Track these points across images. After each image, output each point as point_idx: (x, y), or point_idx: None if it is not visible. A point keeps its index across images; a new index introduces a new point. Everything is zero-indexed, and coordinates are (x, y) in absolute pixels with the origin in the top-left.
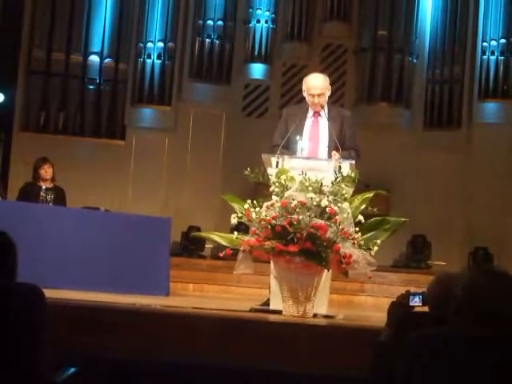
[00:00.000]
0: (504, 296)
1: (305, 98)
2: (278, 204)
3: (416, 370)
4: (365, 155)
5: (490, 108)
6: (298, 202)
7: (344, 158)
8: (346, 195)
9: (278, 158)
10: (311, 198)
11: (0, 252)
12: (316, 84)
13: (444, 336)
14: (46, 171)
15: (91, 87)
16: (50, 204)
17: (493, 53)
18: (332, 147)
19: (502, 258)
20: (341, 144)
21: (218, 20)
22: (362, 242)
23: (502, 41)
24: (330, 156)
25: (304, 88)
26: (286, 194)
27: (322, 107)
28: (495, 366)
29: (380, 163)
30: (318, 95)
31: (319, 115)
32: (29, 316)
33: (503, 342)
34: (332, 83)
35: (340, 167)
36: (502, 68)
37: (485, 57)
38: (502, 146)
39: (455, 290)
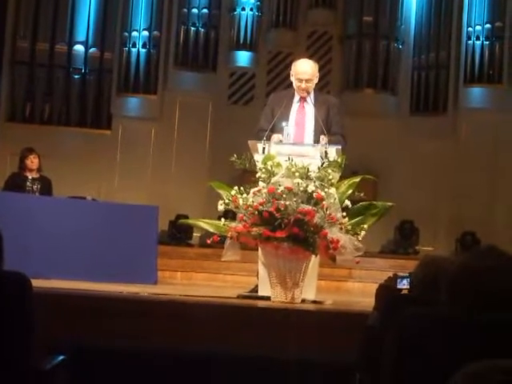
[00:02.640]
0: (503, 280)
1: (291, 84)
2: (265, 190)
3: (404, 351)
4: (352, 142)
5: (476, 93)
6: (285, 187)
7: (331, 142)
8: (332, 180)
9: (264, 143)
10: (298, 184)
11: None
12: (305, 69)
13: (433, 316)
14: (32, 161)
15: (76, 77)
16: (37, 194)
17: (478, 38)
18: (318, 133)
19: (489, 242)
20: (327, 130)
21: (203, 8)
22: (350, 227)
23: (487, 26)
24: (315, 142)
25: (292, 72)
26: (273, 179)
27: (309, 93)
28: (485, 347)
29: (367, 149)
30: (306, 80)
31: (305, 101)
32: (16, 304)
33: (496, 325)
34: (318, 70)
35: (326, 152)
36: (487, 53)
37: (470, 42)
38: (488, 131)
39: (450, 269)
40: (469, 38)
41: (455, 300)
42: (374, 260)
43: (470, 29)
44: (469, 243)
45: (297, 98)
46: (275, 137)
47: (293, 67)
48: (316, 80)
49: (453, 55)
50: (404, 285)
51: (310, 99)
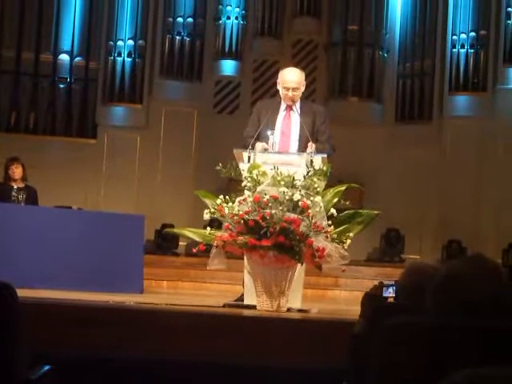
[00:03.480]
0: (488, 286)
1: (278, 92)
2: (251, 199)
3: (390, 360)
4: (337, 150)
5: (461, 101)
6: (271, 196)
7: (319, 150)
8: (318, 189)
9: (249, 152)
10: (283, 193)
11: None
12: (292, 78)
13: (418, 324)
14: (14, 171)
15: (62, 86)
16: (22, 204)
17: (463, 46)
18: (303, 142)
19: (475, 250)
20: (313, 139)
21: (188, 17)
22: (335, 236)
23: (472, 34)
24: (301, 150)
25: (279, 81)
26: (259, 188)
27: (295, 102)
28: (472, 356)
29: (352, 158)
30: (293, 89)
31: (291, 110)
32: (1, 314)
33: (483, 332)
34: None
35: (312, 161)
36: (471, 61)
37: (455, 50)
38: (473, 139)
39: (435, 277)
40: (453, 46)
41: (440, 308)
42: (360, 268)
43: (454, 37)
44: (455, 251)
45: (283, 106)
46: (259, 145)
47: (280, 76)
48: (303, 88)
49: (438, 63)
50: (390, 293)
51: (296, 108)
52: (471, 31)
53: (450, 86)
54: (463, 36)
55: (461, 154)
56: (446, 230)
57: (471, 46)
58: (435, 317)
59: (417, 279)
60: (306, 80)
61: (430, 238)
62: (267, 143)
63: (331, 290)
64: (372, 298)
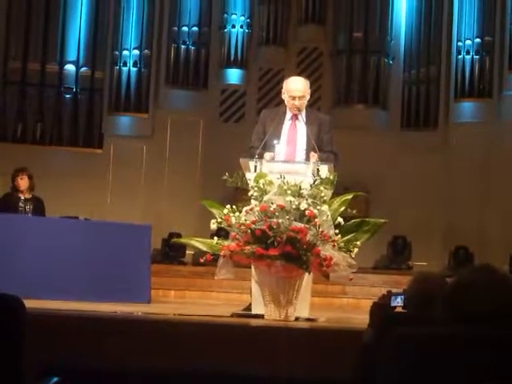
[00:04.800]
0: (496, 296)
1: (283, 101)
2: (257, 208)
3: (399, 370)
4: (343, 157)
5: (467, 107)
6: (277, 205)
7: (322, 159)
8: (324, 198)
9: (256, 161)
10: (290, 202)
11: None
12: (297, 86)
13: (429, 335)
14: (19, 182)
15: (68, 96)
16: (29, 214)
17: (468, 52)
18: (309, 151)
19: (482, 257)
20: (318, 148)
21: (193, 26)
22: (342, 244)
23: (477, 40)
24: (307, 159)
25: (284, 90)
26: (265, 198)
27: (301, 110)
28: (481, 366)
29: (358, 165)
30: (299, 97)
31: (297, 119)
32: (9, 326)
33: (491, 342)
34: (309, 87)
35: (318, 170)
36: (477, 67)
37: (460, 56)
38: (479, 145)
39: (444, 287)
40: (459, 53)
41: (449, 318)
42: (367, 276)
43: (459, 43)
44: (462, 257)
45: (289, 115)
46: (267, 155)
47: (284, 85)
48: (308, 97)
49: (443, 70)
50: (398, 302)
51: (302, 117)
52: (476, 37)
53: (456, 92)
54: (468, 42)
55: (467, 160)
56: (453, 237)
57: (476, 53)
58: (444, 327)
59: (424, 288)
60: (311, 88)
61: (436, 245)
62: (273, 153)
63: (339, 298)
64: (380, 308)
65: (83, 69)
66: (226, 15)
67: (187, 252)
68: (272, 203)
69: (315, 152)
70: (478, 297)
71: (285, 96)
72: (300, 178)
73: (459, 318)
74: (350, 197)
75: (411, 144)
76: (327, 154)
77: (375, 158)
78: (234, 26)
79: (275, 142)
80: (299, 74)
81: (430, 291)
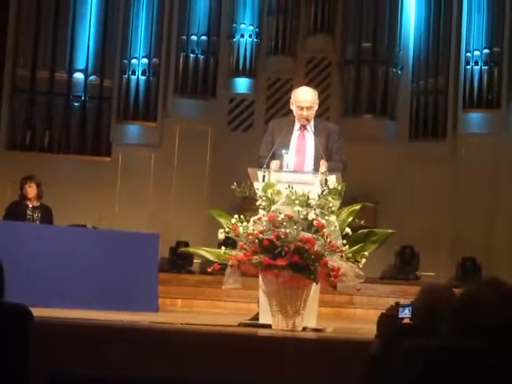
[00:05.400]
0: (505, 309)
1: (291, 111)
2: (265, 218)
3: (406, 382)
4: (351, 167)
5: (475, 118)
6: (285, 215)
7: (331, 168)
8: (332, 208)
9: (264, 171)
10: (298, 212)
11: None
12: (305, 97)
13: (436, 347)
14: (27, 190)
15: (76, 104)
16: (37, 222)
17: (476, 63)
18: (318, 161)
19: (490, 267)
20: (327, 158)
21: (202, 35)
22: (350, 255)
23: (486, 51)
24: (316, 169)
25: (292, 100)
26: (273, 207)
27: (309, 121)
28: (489, 379)
29: (366, 175)
30: (307, 108)
31: (305, 129)
32: (17, 335)
33: (498, 356)
34: (317, 97)
35: (326, 180)
36: (485, 78)
37: (468, 67)
38: (488, 156)
39: (452, 299)
40: (467, 64)
41: (457, 331)
42: (374, 286)
43: (468, 54)
44: (469, 268)
45: (297, 125)
46: (274, 163)
47: (293, 95)
48: (316, 107)
49: (451, 80)
50: (406, 314)
51: (310, 127)
52: (485, 48)
53: (464, 103)
54: (477, 53)
55: (475, 170)
56: (461, 247)
57: (485, 63)
58: (452, 340)
59: (432, 300)
60: (319, 98)
61: (444, 255)
62: (279, 161)
63: (346, 308)
64: (388, 319)
65: (92, 77)
66: (234, 25)
67: (195, 261)
68: (280, 213)
69: (322, 160)
70: (487, 310)
71: (293, 106)
72: (308, 188)
73: (467, 331)
74: (357, 207)
75: (419, 154)
76: (336, 163)
77: (383, 168)
78: (242, 36)
79: (284, 151)
80: (307, 84)
81: (437, 303)
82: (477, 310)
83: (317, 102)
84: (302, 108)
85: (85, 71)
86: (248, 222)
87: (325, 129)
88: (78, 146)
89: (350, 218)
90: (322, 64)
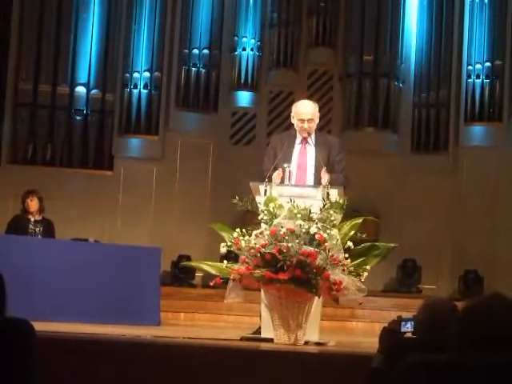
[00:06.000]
0: (506, 323)
1: (293, 125)
2: (267, 232)
3: None
4: (353, 180)
5: (477, 131)
6: (287, 229)
7: (333, 179)
8: (334, 222)
9: (266, 185)
10: (300, 226)
11: None
12: (306, 109)
13: (439, 362)
14: (29, 204)
15: (78, 118)
16: (39, 236)
17: (478, 76)
18: (319, 174)
19: (492, 280)
20: (328, 171)
21: (204, 49)
22: (352, 269)
23: (487, 64)
24: (317, 183)
25: (293, 114)
26: (275, 221)
27: (310, 134)
28: None
29: (368, 188)
30: (308, 120)
31: (307, 142)
32: (19, 351)
33: (503, 369)
34: (319, 109)
35: (328, 194)
36: (487, 91)
37: (470, 80)
38: (489, 169)
39: (454, 314)
40: (469, 77)
41: (460, 345)
42: (376, 299)
43: (469, 67)
44: (471, 281)
45: (298, 139)
46: (276, 173)
47: (293, 108)
48: (317, 120)
49: (453, 93)
50: (408, 328)
51: (312, 140)
52: (486, 61)
53: (466, 116)
54: (478, 66)
55: (477, 183)
56: (463, 260)
57: (486, 76)
58: (454, 355)
59: (434, 314)
60: (321, 111)
61: (446, 268)
62: (280, 169)
63: (348, 322)
64: (390, 333)
65: (94, 91)
66: (236, 38)
67: (197, 274)
68: (282, 227)
69: (324, 169)
70: (488, 324)
71: (294, 120)
72: (310, 202)
73: (472, 345)
74: (359, 221)
75: (421, 167)
76: (338, 175)
77: (385, 181)
78: (244, 49)
79: (286, 165)
80: (309, 97)
81: (440, 317)
82: (479, 324)
83: (317, 114)
84: (303, 121)
85: (87, 85)
86: (250, 235)
87: (326, 142)
88: (80, 159)
89: (352, 232)
90: (324, 77)
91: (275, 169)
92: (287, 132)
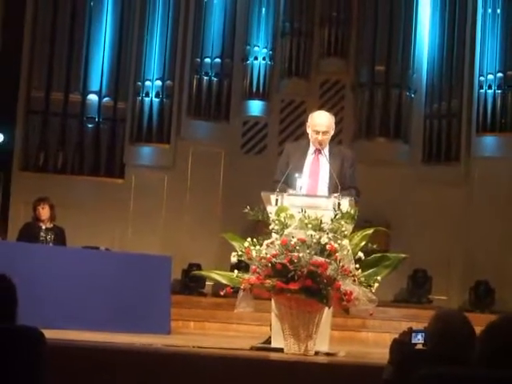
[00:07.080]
0: None
1: (306, 134)
2: (278, 242)
3: None
4: (364, 190)
5: (488, 142)
6: (298, 239)
7: (344, 195)
8: (345, 232)
9: (277, 195)
10: (311, 236)
11: (0, 296)
12: (322, 121)
13: (451, 375)
14: (40, 212)
15: (90, 126)
16: (51, 244)
17: (490, 87)
18: (332, 185)
19: (503, 291)
20: (341, 183)
21: (216, 57)
22: (363, 279)
23: (499, 75)
24: (329, 193)
25: (309, 124)
26: (286, 231)
27: (323, 146)
28: None
29: (379, 198)
30: (323, 133)
31: (320, 153)
32: (29, 359)
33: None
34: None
35: (339, 204)
36: (499, 102)
37: (482, 91)
38: (501, 180)
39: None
40: (481, 87)
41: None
42: (387, 310)
43: (481, 78)
44: (482, 292)
45: (312, 149)
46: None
47: (310, 119)
48: (332, 132)
49: (465, 104)
50: (419, 340)
51: (325, 151)
52: (498, 72)
53: (478, 126)
54: (490, 77)
55: (488, 194)
56: (474, 271)
57: (498, 87)
58: (466, 368)
59: (445, 326)
60: None
61: (457, 279)
62: (296, 186)
63: (358, 332)
64: (401, 345)
65: (106, 99)
66: (248, 47)
67: (207, 283)
68: (293, 237)
69: (337, 189)
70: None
71: (309, 130)
72: (321, 212)
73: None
74: (370, 231)
75: (432, 178)
76: (349, 190)
77: (396, 192)
78: (256, 58)
79: (297, 175)
80: (321, 107)
81: (451, 329)
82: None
83: (333, 127)
84: (317, 132)
85: (99, 93)
86: (261, 245)
87: (340, 153)
88: (92, 167)
89: (363, 243)
90: (336, 87)
91: (287, 178)
92: (300, 141)
